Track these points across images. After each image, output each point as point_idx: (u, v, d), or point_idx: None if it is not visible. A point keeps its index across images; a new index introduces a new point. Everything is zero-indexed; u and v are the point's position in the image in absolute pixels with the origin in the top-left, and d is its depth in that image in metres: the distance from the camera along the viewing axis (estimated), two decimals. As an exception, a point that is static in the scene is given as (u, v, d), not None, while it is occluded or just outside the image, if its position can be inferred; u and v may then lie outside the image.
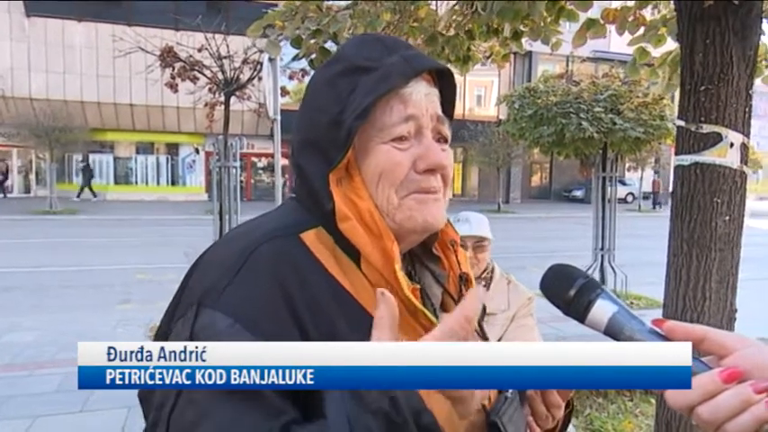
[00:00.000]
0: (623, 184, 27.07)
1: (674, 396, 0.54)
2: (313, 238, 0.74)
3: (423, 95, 0.75)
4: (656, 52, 3.39)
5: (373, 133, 0.74)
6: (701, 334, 0.57)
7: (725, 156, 2.37)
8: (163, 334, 0.72)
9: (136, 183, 26.02)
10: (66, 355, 4.99)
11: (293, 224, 0.75)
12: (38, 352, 5.13)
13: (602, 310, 0.61)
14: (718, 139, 2.36)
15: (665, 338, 0.57)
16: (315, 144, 0.76)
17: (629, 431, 3.50)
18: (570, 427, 3.40)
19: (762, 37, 2.48)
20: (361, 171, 0.75)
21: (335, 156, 0.73)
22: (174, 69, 7.11)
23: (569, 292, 0.63)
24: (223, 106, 6.95)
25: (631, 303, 7.08)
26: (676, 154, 2.55)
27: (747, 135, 2.42)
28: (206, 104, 7.72)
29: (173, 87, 7.32)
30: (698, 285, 2.46)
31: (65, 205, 19.29)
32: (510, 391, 0.81)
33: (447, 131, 0.79)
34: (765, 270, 9.84)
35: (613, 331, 0.60)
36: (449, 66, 3.87)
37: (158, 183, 26.30)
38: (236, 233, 0.79)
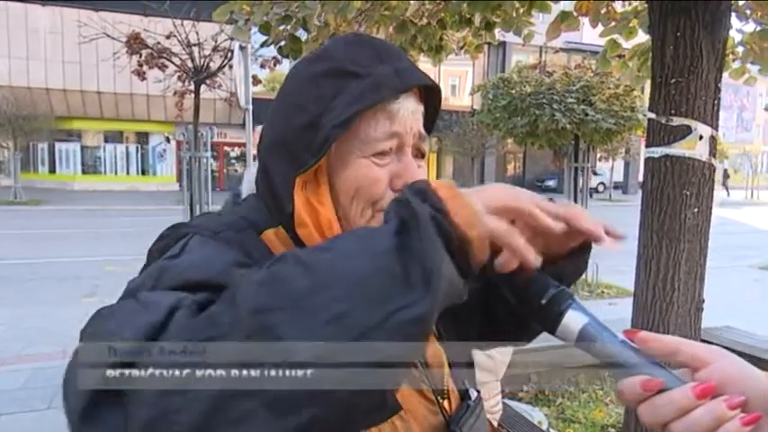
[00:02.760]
0: (595, 173, 27.51)
1: (647, 412, 0.52)
2: (272, 237, 0.73)
3: (410, 113, 0.73)
4: (628, 44, 3.41)
5: (355, 144, 0.71)
6: (674, 346, 0.55)
7: (694, 148, 2.40)
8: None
9: (104, 172, 25.45)
10: (32, 351, 4.86)
11: (251, 222, 0.74)
12: (2, 347, 4.98)
13: (572, 321, 0.59)
14: (687, 131, 2.39)
15: (638, 350, 0.56)
16: (286, 143, 0.72)
17: (600, 419, 3.56)
18: (542, 416, 3.42)
19: (729, 31, 2.51)
20: (335, 181, 0.72)
21: (307, 159, 0.69)
22: (141, 56, 6.93)
23: (540, 302, 0.61)
24: (193, 95, 6.81)
25: (602, 292, 7.21)
26: (647, 146, 2.57)
27: (716, 128, 2.45)
28: (175, 93, 7.55)
29: (140, 75, 7.15)
30: (667, 276, 2.50)
31: (30, 195, 18.76)
32: (472, 398, 0.80)
33: (425, 148, 0.77)
34: (729, 259, 10.13)
35: (585, 343, 0.58)
36: (422, 55, 3.87)
37: (128, 172, 25.77)
38: (197, 218, 0.77)
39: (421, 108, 0.76)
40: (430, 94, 0.78)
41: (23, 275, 8.12)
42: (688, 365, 0.55)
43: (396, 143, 0.72)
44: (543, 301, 0.61)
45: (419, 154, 0.76)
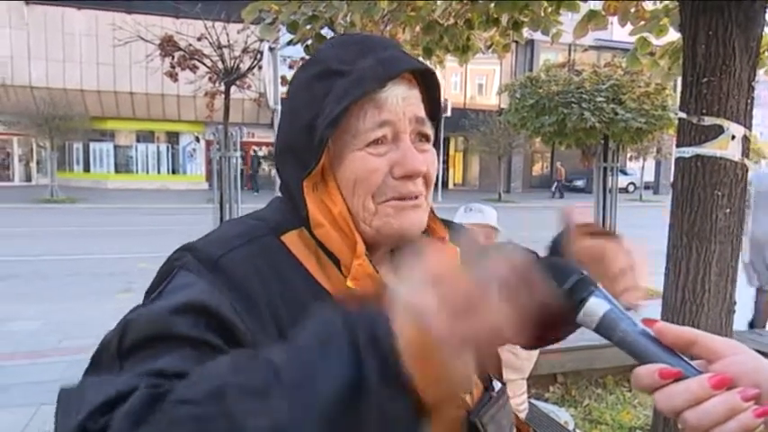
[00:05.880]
0: (624, 173, 27.01)
1: (663, 399, 0.54)
2: (295, 239, 0.74)
3: (399, 99, 0.73)
4: (658, 42, 3.36)
5: (347, 140, 0.72)
6: (692, 337, 0.56)
7: (726, 148, 2.36)
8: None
9: (136, 171, 26.01)
10: (68, 344, 5.03)
11: (275, 225, 0.75)
12: (40, 340, 5.16)
13: (594, 308, 0.60)
14: (719, 131, 2.35)
15: (657, 341, 0.57)
16: (291, 148, 0.75)
17: (628, 421, 3.52)
18: (568, 416, 3.39)
19: (765, 28, 2.46)
20: (336, 178, 0.74)
21: (310, 161, 0.72)
22: (173, 58, 7.08)
23: (562, 288, 0.62)
24: (223, 95, 6.93)
25: (631, 293, 7.08)
26: (677, 146, 2.54)
27: (749, 127, 2.41)
28: (206, 94, 7.70)
29: (173, 77, 7.31)
30: (697, 277, 2.46)
31: (66, 193, 19.31)
32: (495, 390, 0.80)
33: (429, 131, 0.77)
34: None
35: (605, 330, 0.59)
36: (448, 55, 3.87)
37: (159, 171, 26.29)
38: (220, 228, 0.79)
39: (415, 93, 0.75)
40: (427, 79, 0.78)
41: (60, 271, 8.38)
42: (704, 357, 0.56)
43: (389, 131, 0.72)
44: (565, 288, 0.62)
45: (423, 138, 0.76)
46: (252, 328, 0.63)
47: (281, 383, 0.48)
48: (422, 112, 0.76)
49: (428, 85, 0.78)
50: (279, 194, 0.83)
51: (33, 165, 25.47)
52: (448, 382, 0.49)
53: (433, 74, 0.78)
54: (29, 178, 25.34)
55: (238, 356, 0.53)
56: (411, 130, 0.74)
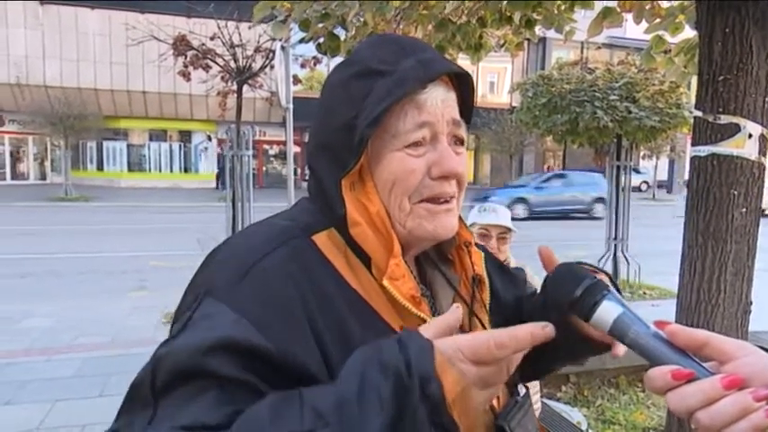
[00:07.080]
0: (637, 172, 26.79)
1: (676, 400, 0.55)
2: (325, 240, 0.74)
3: (439, 101, 0.73)
4: (673, 40, 3.33)
5: (387, 139, 0.73)
6: (703, 339, 0.57)
7: (743, 147, 2.33)
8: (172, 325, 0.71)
9: (149, 170, 26.24)
10: (83, 341, 5.08)
11: (305, 225, 0.75)
12: (55, 337, 5.21)
13: (607, 311, 0.61)
14: (736, 129, 2.33)
15: (669, 342, 0.57)
16: (328, 148, 0.75)
17: (641, 422, 3.50)
18: (581, 416, 3.38)
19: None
20: (374, 177, 0.74)
21: (348, 160, 0.72)
22: (186, 58, 7.13)
23: (575, 292, 0.63)
24: (235, 94, 6.97)
25: (644, 293, 7.05)
26: (693, 144, 2.52)
27: (767, 125, 2.38)
28: (218, 93, 7.75)
29: (185, 76, 7.35)
30: (713, 277, 2.43)
31: (80, 192, 19.51)
32: (520, 394, 0.81)
33: (463, 134, 0.78)
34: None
35: (618, 333, 0.60)
36: (461, 54, 3.86)
37: (171, 170, 26.50)
38: (250, 231, 0.78)
39: (452, 95, 0.76)
40: (462, 82, 0.79)
41: (74, 269, 8.47)
42: (715, 359, 0.57)
43: (428, 132, 0.73)
44: (578, 292, 0.63)
45: (458, 141, 0.77)
46: (283, 341, 0.62)
47: (329, 426, 0.53)
48: (458, 115, 0.77)
49: (462, 89, 0.79)
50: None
51: (48, 163, 25.78)
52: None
53: (470, 77, 0.79)
54: (43, 177, 25.64)
55: (278, 403, 0.56)
56: (448, 132, 0.75)
